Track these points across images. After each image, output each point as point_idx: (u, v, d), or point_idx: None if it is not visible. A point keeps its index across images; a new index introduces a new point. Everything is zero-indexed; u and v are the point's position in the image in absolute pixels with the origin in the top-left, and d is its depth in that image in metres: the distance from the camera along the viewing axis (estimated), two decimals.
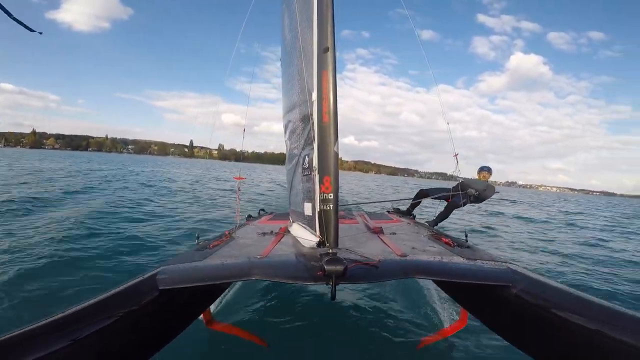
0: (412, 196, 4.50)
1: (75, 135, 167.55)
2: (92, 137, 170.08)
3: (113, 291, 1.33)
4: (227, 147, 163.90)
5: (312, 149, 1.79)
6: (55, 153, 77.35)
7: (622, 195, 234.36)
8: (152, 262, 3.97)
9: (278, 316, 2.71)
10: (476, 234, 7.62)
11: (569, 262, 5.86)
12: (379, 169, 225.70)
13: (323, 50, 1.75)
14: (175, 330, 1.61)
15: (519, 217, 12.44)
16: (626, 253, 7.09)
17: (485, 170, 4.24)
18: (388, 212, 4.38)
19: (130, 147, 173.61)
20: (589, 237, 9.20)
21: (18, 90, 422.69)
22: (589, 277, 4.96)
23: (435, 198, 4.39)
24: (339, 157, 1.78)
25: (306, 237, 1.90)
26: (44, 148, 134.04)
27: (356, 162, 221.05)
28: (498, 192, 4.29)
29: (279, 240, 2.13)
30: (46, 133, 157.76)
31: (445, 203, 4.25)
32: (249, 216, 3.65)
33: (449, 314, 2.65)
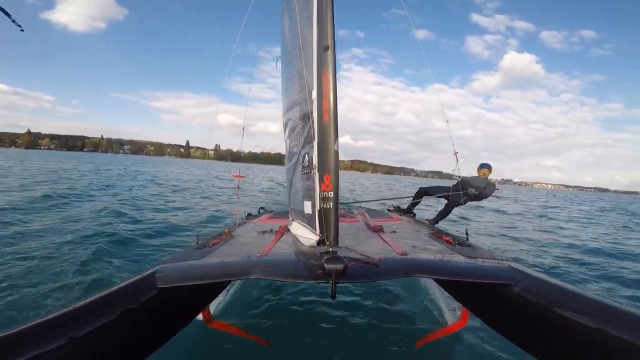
0: (408, 193, 4.49)
1: (71, 136, 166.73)
2: (88, 138, 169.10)
3: (111, 289, 1.32)
4: (223, 147, 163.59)
5: (312, 147, 1.79)
6: (53, 154, 77.96)
7: (615, 192, 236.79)
8: (185, 240, 4.66)
9: (278, 315, 2.71)
10: (448, 222, 7.95)
11: (514, 243, 6.57)
12: (375, 168, 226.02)
13: (323, 49, 1.75)
14: (174, 328, 1.59)
15: (497, 210, 12.74)
16: (571, 238, 7.50)
17: (485, 167, 4.22)
18: (388, 210, 4.38)
19: (126, 147, 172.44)
20: (550, 225, 9.73)
21: (13, 91, 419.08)
22: (522, 252, 5.67)
23: (435, 196, 4.40)
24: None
25: (306, 235, 1.90)
26: (39, 148, 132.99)
27: (353, 161, 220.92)
28: (498, 189, 4.30)
29: (279, 239, 2.12)
30: (41, 133, 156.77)
31: (445, 201, 4.27)
32: (249, 214, 3.63)
33: (449, 312, 2.65)
